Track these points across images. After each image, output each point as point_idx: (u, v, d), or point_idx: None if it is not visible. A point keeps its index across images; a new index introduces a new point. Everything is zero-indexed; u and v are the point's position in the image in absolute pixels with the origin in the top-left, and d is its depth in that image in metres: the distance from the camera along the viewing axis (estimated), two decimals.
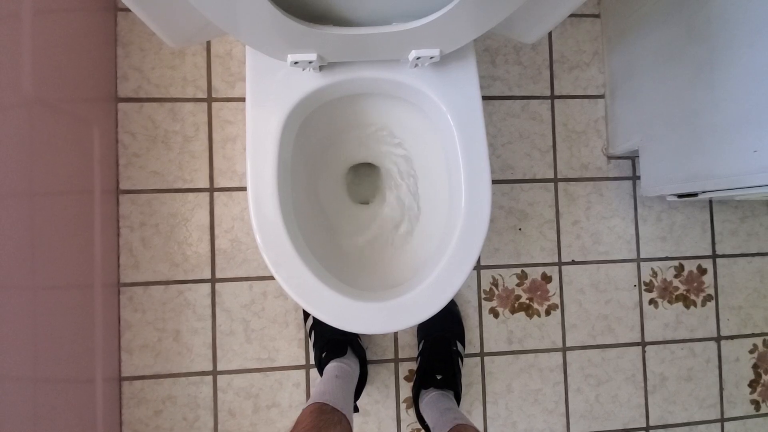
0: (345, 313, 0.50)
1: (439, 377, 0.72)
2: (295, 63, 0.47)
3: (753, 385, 0.90)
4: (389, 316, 0.50)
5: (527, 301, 0.86)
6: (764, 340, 0.90)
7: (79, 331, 0.68)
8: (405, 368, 0.83)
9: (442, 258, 0.51)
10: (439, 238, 0.55)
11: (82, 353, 0.68)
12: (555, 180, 0.88)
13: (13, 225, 0.54)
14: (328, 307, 0.50)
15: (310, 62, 0.47)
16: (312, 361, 0.79)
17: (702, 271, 0.90)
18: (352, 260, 0.62)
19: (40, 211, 0.60)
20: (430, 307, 0.50)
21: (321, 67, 0.51)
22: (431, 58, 0.48)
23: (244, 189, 0.80)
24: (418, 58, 0.48)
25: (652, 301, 0.88)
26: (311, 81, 0.52)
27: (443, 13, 0.41)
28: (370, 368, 0.81)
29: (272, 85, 0.52)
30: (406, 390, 0.83)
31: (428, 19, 0.42)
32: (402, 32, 0.44)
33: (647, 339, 0.88)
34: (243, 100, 0.53)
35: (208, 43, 0.81)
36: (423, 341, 0.78)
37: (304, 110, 0.54)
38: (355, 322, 0.50)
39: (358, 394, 0.70)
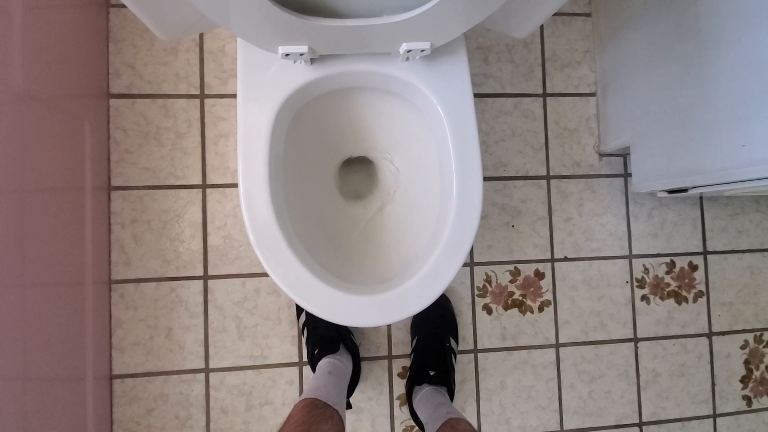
0: (337, 307, 0.50)
1: (432, 373, 0.72)
2: (286, 55, 0.47)
3: (744, 380, 0.90)
4: (381, 309, 0.50)
5: (520, 298, 0.86)
6: (755, 336, 0.91)
7: (69, 329, 0.67)
8: (398, 365, 0.83)
9: (434, 251, 0.51)
10: (431, 232, 0.55)
11: (72, 351, 0.68)
12: (547, 177, 0.88)
13: (2, 222, 0.54)
14: (320, 301, 0.50)
15: (301, 54, 0.47)
16: (305, 358, 0.79)
17: (693, 267, 0.90)
18: (345, 255, 0.62)
19: (31, 207, 0.60)
20: (421, 300, 0.50)
21: (312, 61, 0.51)
22: (422, 51, 0.48)
23: (236, 186, 0.80)
24: (409, 51, 0.48)
25: (644, 298, 0.89)
26: (302, 74, 0.52)
27: (433, 5, 0.41)
28: (364, 365, 0.80)
29: (264, 79, 0.52)
30: (400, 387, 0.82)
31: (418, 10, 0.42)
32: (392, 24, 0.44)
33: (640, 335, 0.88)
34: (236, 96, 0.53)
35: (201, 40, 0.81)
36: (416, 338, 0.78)
37: (296, 104, 0.54)
38: (347, 315, 0.50)
39: (351, 390, 0.70)
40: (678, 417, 0.88)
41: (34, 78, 0.60)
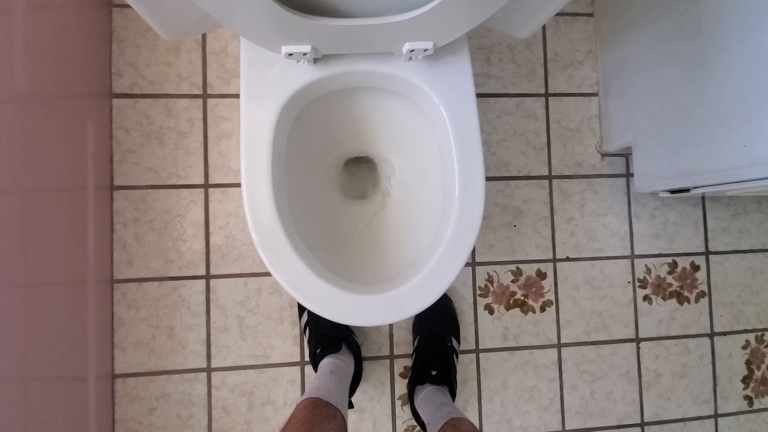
0: (340, 306, 0.50)
1: (434, 373, 0.72)
2: (290, 55, 0.48)
3: (746, 381, 0.90)
4: (384, 308, 0.50)
5: (522, 298, 0.86)
6: (756, 336, 0.91)
7: (71, 328, 0.67)
8: (400, 365, 0.83)
9: (436, 251, 0.51)
10: (434, 232, 0.55)
11: (74, 350, 0.68)
12: (549, 177, 0.88)
13: (5, 221, 0.54)
14: (322, 300, 0.50)
15: (304, 54, 0.47)
16: (307, 358, 0.79)
17: (695, 267, 0.90)
18: (347, 254, 0.62)
19: (33, 207, 0.60)
20: (423, 300, 0.50)
21: (315, 60, 0.51)
22: (425, 51, 0.48)
23: (239, 185, 0.80)
24: (412, 50, 0.48)
25: (646, 298, 0.89)
26: (305, 74, 0.52)
27: (436, 4, 0.41)
28: (366, 365, 0.80)
29: (266, 78, 0.52)
30: (402, 387, 0.82)
31: (421, 10, 0.42)
32: (395, 24, 0.44)
33: (641, 335, 0.88)
34: (238, 96, 0.53)
35: (204, 40, 0.81)
36: (418, 337, 0.78)
37: (299, 104, 0.54)
38: (349, 314, 0.50)
39: (353, 390, 0.70)
40: (680, 417, 0.88)
41: (37, 77, 0.60)
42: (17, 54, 0.57)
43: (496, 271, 0.86)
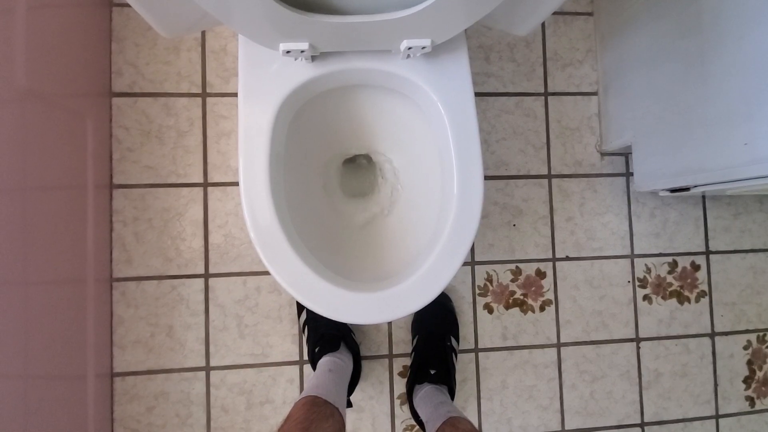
0: (338, 304, 0.50)
1: (433, 372, 0.72)
2: (287, 52, 0.48)
3: (747, 381, 0.90)
4: (382, 306, 0.50)
5: (521, 297, 0.86)
6: (758, 336, 0.91)
7: (70, 327, 0.67)
8: (399, 364, 0.83)
9: (434, 249, 0.51)
10: (432, 230, 0.55)
11: (73, 349, 0.68)
12: (549, 176, 0.88)
13: (5, 219, 0.54)
14: (321, 298, 0.50)
15: (302, 51, 0.47)
16: (306, 357, 0.79)
17: (695, 267, 0.90)
18: (346, 252, 0.62)
19: (33, 205, 0.60)
20: (422, 298, 0.50)
21: (313, 58, 0.51)
22: (423, 48, 0.48)
23: (238, 184, 0.80)
24: (410, 48, 0.48)
25: (646, 297, 0.89)
26: (303, 72, 0.52)
27: (433, 1, 0.41)
28: (365, 364, 0.80)
29: (265, 76, 0.52)
30: (401, 386, 0.82)
31: (418, 7, 0.42)
32: (393, 21, 0.44)
33: (641, 335, 0.88)
34: (237, 95, 0.53)
35: (203, 39, 0.81)
36: (417, 336, 0.78)
37: (297, 101, 0.54)
38: (348, 312, 0.50)
39: (351, 389, 0.70)
40: (680, 418, 0.88)
41: (38, 76, 0.60)
42: (18, 53, 0.57)
43: (495, 271, 0.86)
